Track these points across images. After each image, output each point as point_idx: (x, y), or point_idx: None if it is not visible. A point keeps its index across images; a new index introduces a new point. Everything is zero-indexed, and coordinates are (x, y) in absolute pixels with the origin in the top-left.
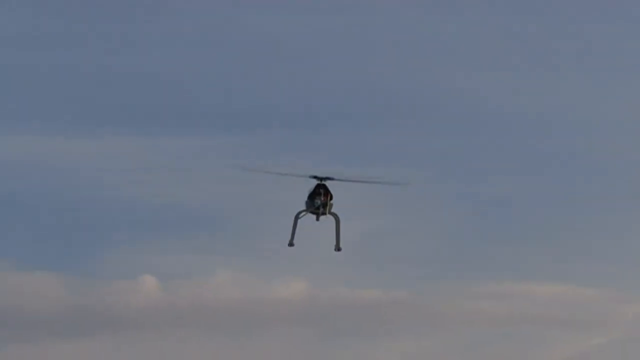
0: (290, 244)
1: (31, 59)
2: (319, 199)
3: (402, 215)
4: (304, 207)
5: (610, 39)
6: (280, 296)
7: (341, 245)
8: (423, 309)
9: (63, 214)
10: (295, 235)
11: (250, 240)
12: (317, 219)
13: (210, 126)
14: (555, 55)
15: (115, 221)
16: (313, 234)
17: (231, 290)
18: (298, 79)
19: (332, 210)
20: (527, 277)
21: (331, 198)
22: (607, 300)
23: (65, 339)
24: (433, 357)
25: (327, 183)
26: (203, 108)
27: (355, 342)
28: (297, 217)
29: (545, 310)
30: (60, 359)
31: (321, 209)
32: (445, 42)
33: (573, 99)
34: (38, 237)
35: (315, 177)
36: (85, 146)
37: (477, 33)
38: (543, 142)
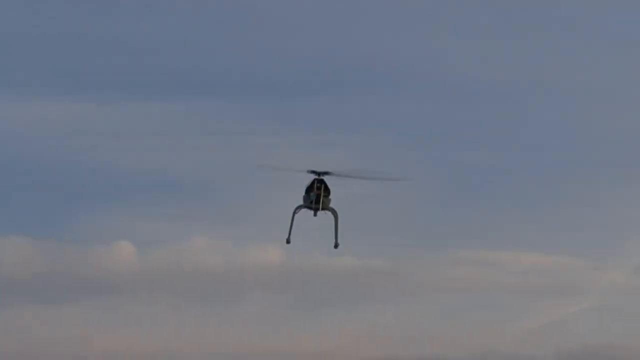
0: (288, 241)
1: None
2: (313, 193)
3: (380, 184)
4: (302, 203)
5: (579, 7)
6: (256, 263)
7: (339, 241)
8: (400, 276)
9: (39, 179)
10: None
11: (227, 207)
12: (315, 214)
13: (192, 93)
14: (527, 24)
15: (91, 187)
16: (288, 203)
17: (207, 257)
18: (277, 49)
19: (331, 205)
20: (506, 245)
21: (329, 193)
22: (584, 268)
23: (40, 305)
24: (410, 325)
25: (325, 178)
26: (184, 75)
27: (332, 310)
28: (295, 213)
29: (523, 278)
30: (36, 324)
31: (314, 203)
32: (417, 9)
33: (545, 68)
34: (13, 203)
35: (313, 172)
36: (64, 111)
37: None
38: (519, 112)
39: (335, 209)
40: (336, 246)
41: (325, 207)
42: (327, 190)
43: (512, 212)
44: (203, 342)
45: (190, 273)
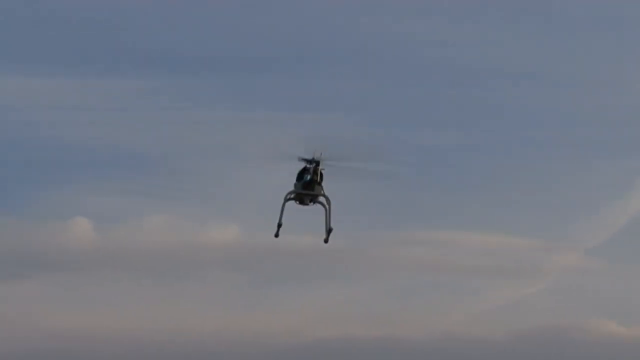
0: (278, 229)
1: None
2: (307, 174)
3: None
4: (292, 189)
5: None
6: (213, 241)
7: (330, 226)
8: (357, 256)
9: None
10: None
11: (184, 184)
12: (307, 203)
13: (148, 68)
14: (491, 5)
15: (47, 163)
16: (247, 181)
17: (164, 234)
18: (236, 26)
19: (323, 192)
20: (462, 226)
21: (321, 179)
22: (537, 249)
23: None
24: (366, 305)
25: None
26: (142, 51)
27: (289, 289)
28: (285, 198)
29: (477, 259)
30: None
31: (306, 188)
32: None
33: (506, 50)
34: None
35: (304, 159)
36: (19, 86)
37: None
38: (477, 93)
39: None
40: (327, 240)
41: (318, 194)
42: (320, 176)
43: (468, 194)
44: (160, 319)
45: (147, 251)
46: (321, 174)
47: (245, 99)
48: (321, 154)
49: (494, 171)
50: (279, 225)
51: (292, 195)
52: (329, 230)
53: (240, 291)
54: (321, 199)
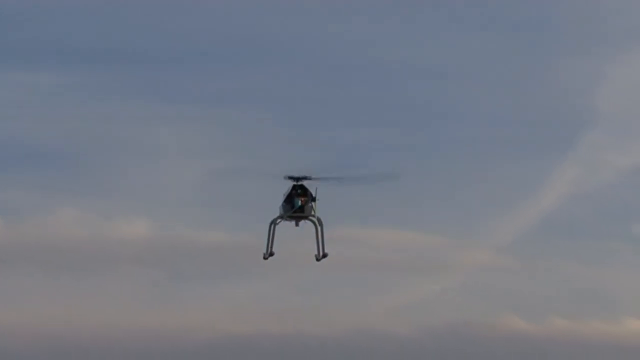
0: (265, 257)
1: None
2: (298, 199)
3: (249, 157)
4: (278, 214)
5: None
6: (124, 236)
7: (325, 252)
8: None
9: None
10: (273, 244)
11: (95, 179)
12: (297, 225)
13: (57, 62)
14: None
15: None
16: (158, 176)
17: (75, 229)
18: (146, 21)
19: (313, 213)
20: (372, 222)
21: (312, 199)
22: (449, 247)
23: None
24: (278, 300)
25: (305, 183)
26: (49, 44)
27: (200, 285)
28: (272, 225)
29: (389, 255)
30: None
31: (298, 212)
32: None
33: (427, 49)
34: None
35: (291, 177)
36: None
37: None
38: (394, 91)
39: (321, 217)
40: (319, 259)
41: (309, 215)
42: (311, 197)
43: (381, 191)
44: (70, 315)
45: (57, 245)
46: (312, 194)
47: (157, 94)
48: (316, 189)
49: (408, 168)
50: (271, 254)
51: (279, 221)
52: (323, 255)
53: (152, 286)
54: (312, 218)
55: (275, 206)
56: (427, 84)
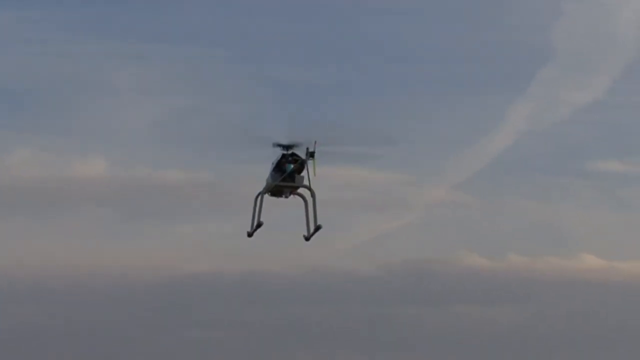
0: (250, 234)
1: None
2: (290, 165)
3: (206, 95)
4: (264, 186)
5: None
6: (80, 175)
7: (318, 223)
8: (225, 190)
9: None
10: (260, 215)
11: (51, 118)
12: (287, 196)
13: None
14: None
15: None
16: (115, 115)
17: (31, 169)
18: None
19: (305, 183)
20: (328, 162)
21: (303, 163)
22: (405, 184)
23: None
24: (235, 239)
25: (296, 152)
26: None
27: (157, 223)
28: (257, 199)
29: (346, 193)
30: None
31: (288, 181)
32: None
33: None
34: None
35: (279, 145)
36: None
37: None
38: (353, 29)
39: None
40: (309, 237)
41: (301, 185)
42: (308, 158)
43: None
44: (26, 256)
45: (12, 185)
46: (303, 163)
47: (113, 30)
48: (315, 142)
49: (363, 106)
50: (258, 225)
51: (267, 193)
52: (316, 228)
53: (107, 226)
54: (302, 190)
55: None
56: (382, 21)
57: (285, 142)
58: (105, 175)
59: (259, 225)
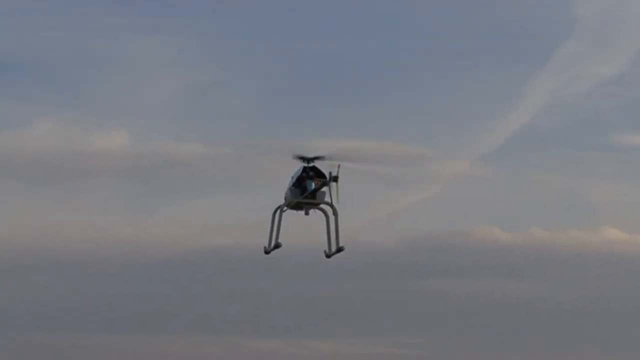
0: (267, 251)
1: None
2: (312, 181)
3: (228, 69)
4: (284, 201)
5: None
6: (102, 149)
7: (341, 245)
8: (246, 164)
9: None
10: (279, 235)
11: (74, 90)
12: (307, 213)
13: None
14: None
15: None
16: (133, 87)
17: (52, 141)
18: None
19: (327, 199)
20: (350, 134)
21: (332, 179)
22: (427, 157)
23: None
24: (256, 213)
25: (317, 164)
26: None
27: (178, 197)
28: (276, 214)
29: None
30: None
31: (309, 198)
32: None
33: None
34: None
35: (301, 157)
36: None
37: None
38: (368, 8)
39: (336, 205)
40: (330, 255)
41: (322, 202)
42: (331, 177)
43: (358, 102)
44: (47, 228)
45: (34, 158)
46: (325, 177)
47: (136, 4)
48: (339, 165)
49: (385, 79)
50: (276, 246)
51: (286, 208)
52: (338, 249)
53: (130, 199)
54: (324, 206)
55: (252, 113)
56: None
57: (306, 154)
58: (126, 149)
59: (277, 246)
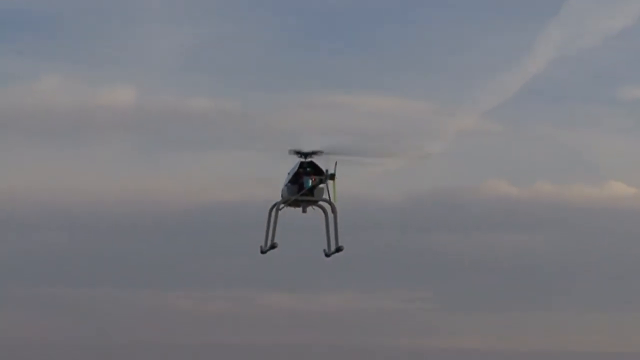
0: (263, 251)
1: None
2: (309, 179)
3: (235, 24)
4: (280, 198)
5: None
6: (109, 103)
7: (340, 244)
8: (252, 119)
9: None
10: (275, 235)
11: (80, 45)
12: (304, 211)
13: None
14: None
15: None
16: (140, 42)
17: (59, 96)
18: None
19: (325, 196)
20: (358, 88)
21: (329, 177)
22: (434, 113)
23: None
24: (263, 165)
25: (315, 159)
26: None
27: (184, 151)
28: (271, 212)
29: (373, 122)
30: None
31: (307, 195)
32: None
33: None
34: None
35: (297, 152)
36: None
37: None
38: None
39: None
40: (329, 254)
41: (320, 199)
42: (327, 175)
43: (366, 57)
44: (54, 181)
45: (41, 112)
46: (323, 173)
47: None
48: (336, 163)
49: (392, 34)
50: (272, 247)
51: (282, 206)
52: (337, 249)
53: (137, 154)
54: (323, 203)
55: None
56: None
57: (303, 149)
58: (134, 103)
59: (273, 246)
